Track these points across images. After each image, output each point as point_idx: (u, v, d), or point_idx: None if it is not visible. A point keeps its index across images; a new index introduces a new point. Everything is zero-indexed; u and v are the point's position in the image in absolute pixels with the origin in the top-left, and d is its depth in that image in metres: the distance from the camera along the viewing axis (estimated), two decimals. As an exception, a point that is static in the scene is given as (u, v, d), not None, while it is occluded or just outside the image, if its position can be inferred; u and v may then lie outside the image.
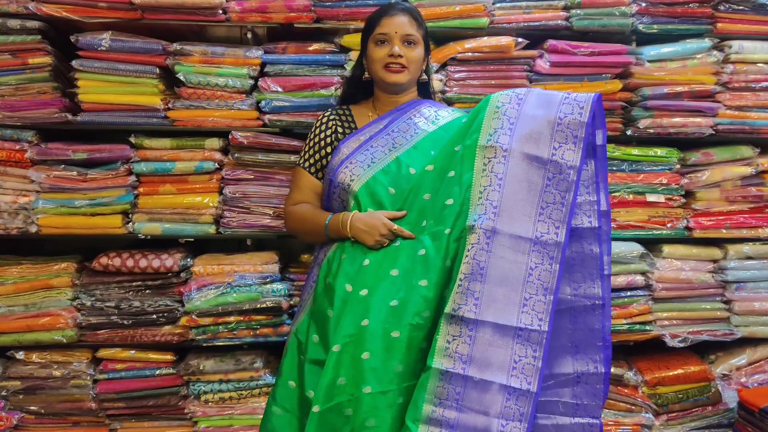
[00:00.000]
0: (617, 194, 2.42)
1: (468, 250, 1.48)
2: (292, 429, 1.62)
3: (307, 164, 1.83)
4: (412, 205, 1.63)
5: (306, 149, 1.84)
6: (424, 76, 1.87)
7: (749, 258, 2.48)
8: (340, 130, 1.81)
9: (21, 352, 2.31)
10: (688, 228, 2.46)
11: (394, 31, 1.73)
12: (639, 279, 2.42)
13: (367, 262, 1.60)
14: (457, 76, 2.34)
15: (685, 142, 2.48)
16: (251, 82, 2.30)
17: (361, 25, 1.89)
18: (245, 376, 2.33)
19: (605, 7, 2.35)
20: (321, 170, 1.82)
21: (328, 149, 1.80)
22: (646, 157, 2.43)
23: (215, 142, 2.32)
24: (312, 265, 1.84)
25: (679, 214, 2.46)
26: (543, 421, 1.57)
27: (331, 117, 1.84)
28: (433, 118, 1.79)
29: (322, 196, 1.83)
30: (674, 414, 2.45)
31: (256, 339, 2.34)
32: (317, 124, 1.85)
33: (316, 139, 1.82)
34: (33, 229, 2.28)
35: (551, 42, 2.35)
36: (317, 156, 1.81)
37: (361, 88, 1.89)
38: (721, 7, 2.42)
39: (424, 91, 1.91)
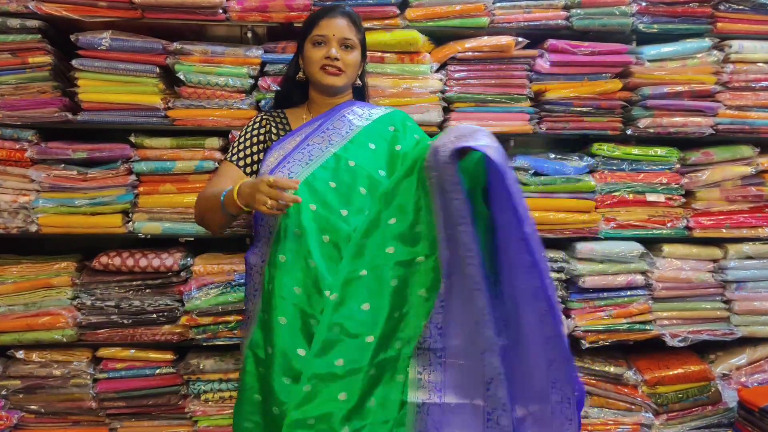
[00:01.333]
0: (617, 193, 2.42)
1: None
2: None
3: (235, 158, 1.72)
4: (359, 182, 1.58)
5: (235, 145, 1.74)
6: (359, 82, 1.82)
7: (749, 258, 2.49)
8: (274, 131, 1.74)
9: (21, 352, 2.31)
10: (688, 227, 2.46)
11: (332, 34, 1.68)
12: (639, 278, 2.42)
13: (313, 264, 1.52)
14: (457, 75, 2.34)
15: (685, 142, 2.48)
16: (251, 81, 2.29)
17: (363, 24, 1.88)
18: (245, 376, 2.33)
19: (605, 6, 2.35)
20: (251, 165, 1.71)
21: (260, 146, 1.72)
22: (646, 157, 2.43)
23: (215, 142, 2.32)
24: (247, 270, 1.71)
25: (679, 213, 2.46)
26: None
27: (265, 117, 1.78)
28: (366, 115, 1.75)
29: None
30: (674, 413, 2.45)
31: (256, 338, 2.33)
32: (250, 124, 1.77)
33: (248, 136, 1.74)
34: (33, 228, 2.28)
35: (551, 41, 2.36)
36: (248, 151, 1.72)
37: (296, 89, 1.84)
38: (721, 7, 2.42)
39: (359, 96, 1.87)
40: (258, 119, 1.78)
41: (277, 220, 1.56)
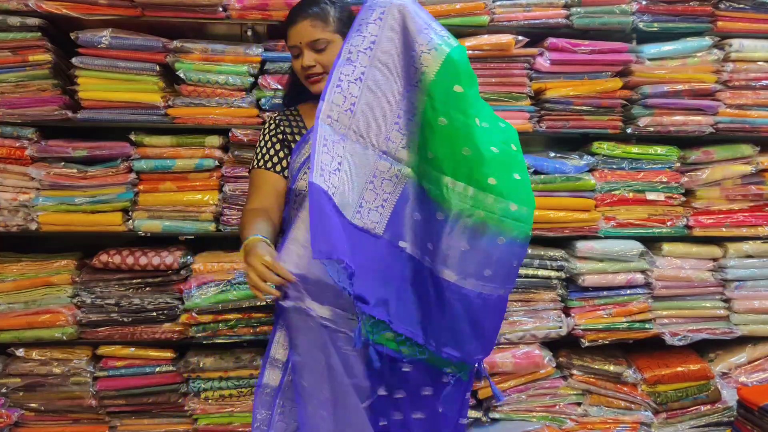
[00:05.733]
0: (617, 192, 2.42)
1: None
2: None
3: (261, 162, 1.67)
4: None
5: (258, 152, 1.70)
6: None
7: (749, 256, 2.49)
8: (288, 130, 1.70)
9: (21, 349, 2.31)
10: (687, 226, 2.46)
11: (298, 42, 1.60)
12: (639, 277, 2.42)
13: None
14: (457, 74, 2.34)
15: (685, 141, 2.48)
16: (251, 79, 2.29)
17: (337, 7, 1.80)
18: (245, 374, 2.33)
19: (606, 5, 2.35)
20: (280, 163, 1.67)
21: (284, 144, 1.68)
22: (646, 155, 2.43)
23: (215, 140, 2.32)
24: None
25: (678, 212, 2.46)
26: None
27: (278, 117, 1.74)
28: None
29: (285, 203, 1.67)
30: (674, 412, 2.46)
31: (256, 336, 2.34)
32: (265, 128, 1.73)
33: (267, 138, 1.70)
34: (33, 226, 2.28)
35: (551, 40, 2.35)
36: (272, 152, 1.68)
37: (304, 89, 1.72)
38: (722, 6, 2.42)
39: None
40: (272, 122, 1.73)
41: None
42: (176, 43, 2.26)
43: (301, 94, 1.77)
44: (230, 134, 2.28)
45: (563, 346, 2.50)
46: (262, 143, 1.71)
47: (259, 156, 1.69)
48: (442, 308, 1.47)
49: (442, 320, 1.48)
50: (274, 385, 1.53)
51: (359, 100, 1.44)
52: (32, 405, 2.33)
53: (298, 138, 1.68)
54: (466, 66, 1.50)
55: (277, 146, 1.68)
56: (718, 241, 2.49)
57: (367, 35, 1.44)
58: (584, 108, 2.39)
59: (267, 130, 1.72)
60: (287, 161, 1.67)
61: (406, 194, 1.48)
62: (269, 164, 1.67)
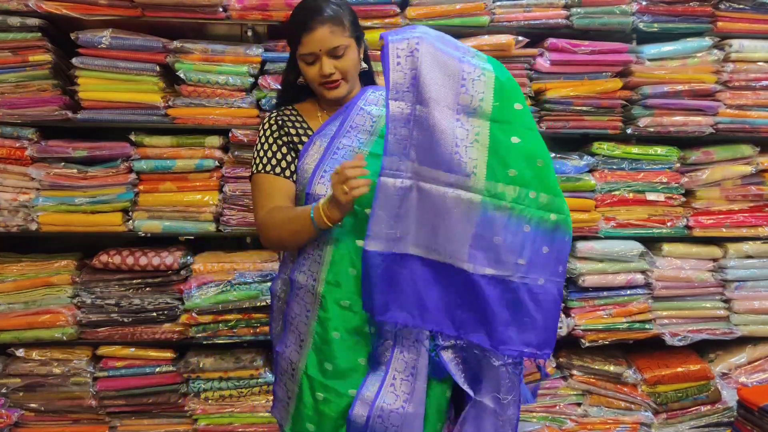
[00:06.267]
0: (617, 192, 2.42)
1: None
2: None
3: (269, 167, 1.58)
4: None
5: (262, 155, 1.59)
6: (364, 65, 1.67)
7: (749, 257, 2.49)
8: (293, 132, 1.61)
9: (21, 350, 2.31)
10: (688, 227, 2.46)
11: (317, 49, 1.52)
12: (639, 277, 2.42)
13: None
14: (457, 74, 2.33)
15: (685, 141, 2.49)
16: (251, 80, 2.29)
17: (364, 23, 1.80)
18: (245, 374, 2.33)
19: (606, 5, 2.35)
20: (289, 168, 1.59)
21: (289, 147, 1.60)
22: (646, 156, 2.43)
23: (215, 140, 2.32)
24: (293, 288, 1.58)
25: (679, 212, 2.46)
26: None
27: (279, 117, 1.63)
28: (382, 101, 1.65)
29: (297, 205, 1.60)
30: (674, 412, 2.46)
31: (256, 337, 2.34)
32: (266, 127, 1.62)
33: (270, 141, 1.60)
34: (33, 226, 2.28)
35: (552, 40, 2.35)
36: (278, 155, 1.59)
37: (302, 90, 1.68)
38: (722, 6, 2.42)
39: (367, 78, 1.73)
40: (273, 122, 1.62)
41: (332, 235, 1.51)
42: (176, 44, 2.26)
43: (298, 95, 1.72)
44: (230, 134, 2.28)
45: (563, 346, 2.51)
46: (266, 146, 1.60)
47: (264, 160, 1.59)
48: (533, 309, 1.50)
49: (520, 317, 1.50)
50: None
51: (410, 142, 1.41)
52: (32, 405, 2.33)
53: (304, 140, 1.61)
54: (513, 82, 1.50)
55: (284, 149, 1.60)
56: (718, 241, 2.50)
57: (407, 71, 1.39)
58: (584, 108, 2.39)
59: (269, 132, 1.61)
60: (295, 165, 1.60)
61: (485, 221, 1.45)
62: (277, 169, 1.58)
